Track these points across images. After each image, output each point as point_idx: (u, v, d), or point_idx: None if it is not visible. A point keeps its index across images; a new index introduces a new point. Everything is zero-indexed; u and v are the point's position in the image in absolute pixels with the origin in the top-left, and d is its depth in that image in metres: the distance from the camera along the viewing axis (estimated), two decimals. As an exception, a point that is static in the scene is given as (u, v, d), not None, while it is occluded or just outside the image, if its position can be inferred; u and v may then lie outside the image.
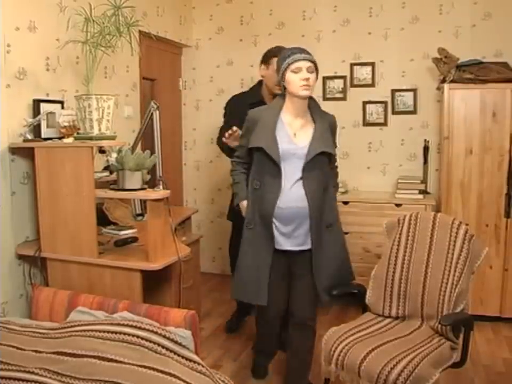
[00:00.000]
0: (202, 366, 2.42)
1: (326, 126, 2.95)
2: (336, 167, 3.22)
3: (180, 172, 5.59)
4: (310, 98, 2.95)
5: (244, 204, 3.08)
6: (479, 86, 4.22)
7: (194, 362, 2.42)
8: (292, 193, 2.86)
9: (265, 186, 2.90)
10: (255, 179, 2.96)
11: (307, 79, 2.79)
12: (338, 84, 5.06)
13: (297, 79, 2.79)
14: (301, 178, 2.85)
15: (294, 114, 2.92)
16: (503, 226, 4.27)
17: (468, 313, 2.78)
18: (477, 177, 4.28)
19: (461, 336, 2.74)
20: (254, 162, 2.98)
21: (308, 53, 2.86)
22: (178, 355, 2.42)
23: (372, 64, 4.97)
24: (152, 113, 3.48)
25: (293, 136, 2.90)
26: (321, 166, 2.91)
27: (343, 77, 5.04)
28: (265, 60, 3.69)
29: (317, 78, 2.90)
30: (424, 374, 2.48)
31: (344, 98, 5.05)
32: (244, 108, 3.30)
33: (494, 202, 4.27)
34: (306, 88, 2.80)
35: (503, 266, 4.31)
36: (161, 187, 3.03)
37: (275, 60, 3.18)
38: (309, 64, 2.81)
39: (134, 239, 3.31)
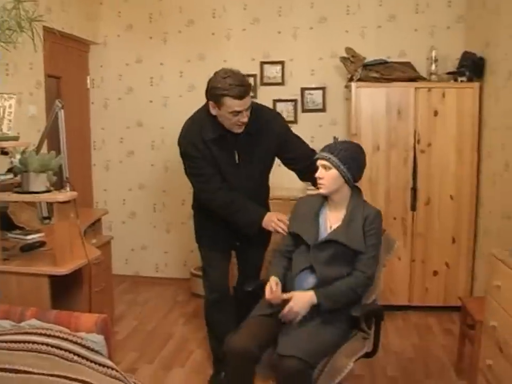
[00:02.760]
0: (116, 371, 2.35)
1: (359, 219, 2.71)
2: (363, 272, 2.69)
3: (89, 173, 5.43)
4: (354, 191, 2.80)
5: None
6: (384, 84, 4.38)
7: (108, 367, 2.36)
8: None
9: None
10: None
11: None
12: (249, 82, 5.07)
13: None
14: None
15: (332, 206, 2.81)
16: (410, 219, 4.45)
17: (378, 304, 2.86)
18: (384, 172, 4.43)
19: (373, 326, 2.82)
20: None
21: None
22: (91, 361, 2.34)
23: (282, 63, 5.03)
24: (57, 113, 3.34)
25: (329, 228, 2.76)
26: (339, 257, 2.68)
27: (253, 76, 5.05)
28: (216, 98, 2.91)
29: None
30: (338, 365, 2.53)
31: (254, 97, 5.05)
32: (205, 145, 3.01)
33: (400, 196, 4.44)
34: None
35: (410, 258, 4.49)
36: (68, 188, 2.93)
37: (228, 99, 2.85)
38: None
39: (41, 244, 3.19)
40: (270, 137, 3.11)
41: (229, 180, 3.10)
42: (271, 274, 2.79)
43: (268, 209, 3.36)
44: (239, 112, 2.88)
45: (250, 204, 3.08)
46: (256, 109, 3.06)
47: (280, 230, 2.97)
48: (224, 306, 3.33)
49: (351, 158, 2.70)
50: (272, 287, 2.67)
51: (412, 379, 3.45)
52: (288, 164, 3.31)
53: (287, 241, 2.91)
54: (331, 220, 2.78)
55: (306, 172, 3.16)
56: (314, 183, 2.91)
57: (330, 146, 2.75)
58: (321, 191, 2.75)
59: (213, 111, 2.96)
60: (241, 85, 2.85)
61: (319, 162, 2.72)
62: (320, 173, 2.72)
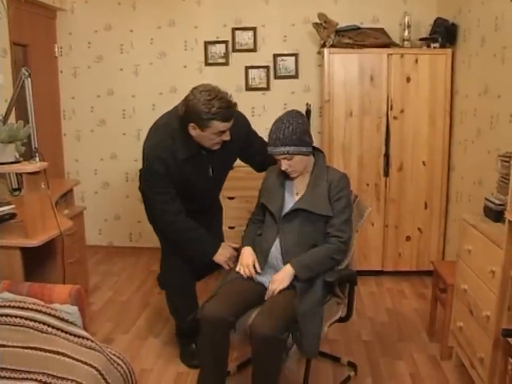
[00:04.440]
0: (92, 341, 2.35)
1: (323, 184, 2.75)
2: (338, 237, 2.72)
3: (60, 143, 5.34)
4: (318, 154, 2.86)
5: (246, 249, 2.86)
6: (357, 50, 4.35)
7: (83, 338, 2.35)
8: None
9: None
10: None
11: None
12: (220, 48, 5.01)
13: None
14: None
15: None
16: (383, 185, 4.48)
17: (351, 269, 2.89)
18: (357, 138, 4.44)
19: (347, 291, 2.86)
20: None
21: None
22: (66, 332, 2.34)
23: (254, 29, 4.96)
24: (23, 81, 3.25)
25: (295, 195, 2.82)
26: (308, 225, 2.73)
27: (225, 42, 4.99)
28: (201, 122, 2.74)
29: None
30: (313, 331, 2.56)
31: (226, 63, 5.02)
32: (177, 165, 2.88)
33: (373, 162, 4.46)
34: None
35: (383, 223, 4.54)
36: (37, 159, 2.88)
37: (215, 122, 2.72)
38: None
39: (12, 216, 3.14)
40: (237, 139, 2.99)
41: (197, 190, 3.05)
42: (245, 243, 2.91)
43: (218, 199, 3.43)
44: (223, 132, 2.81)
45: (205, 235, 3.03)
46: None
47: (226, 266, 3.01)
48: (186, 293, 3.27)
49: (301, 135, 2.68)
50: (256, 268, 2.77)
51: (386, 342, 3.51)
52: (246, 159, 3.28)
53: (257, 211, 3.02)
54: (297, 186, 2.83)
55: (263, 165, 3.14)
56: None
57: (280, 139, 2.65)
58: (294, 175, 2.79)
59: (193, 132, 2.81)
60: (228, 107, 2.74)
61: (279, 157, 2.71)
62: (285, 165, 2.71)
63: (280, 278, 2.62)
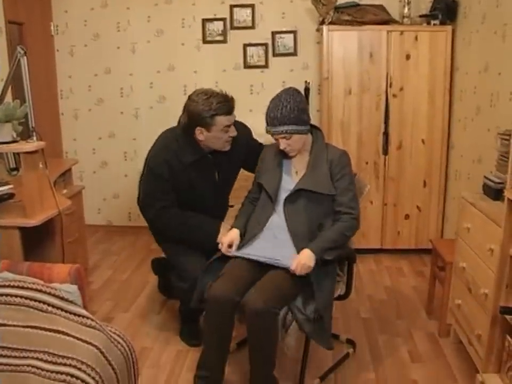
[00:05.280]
0: (92, 320, 2.35)
1: (323, 163, 2.76)
2: (349, 214, 2.73)
3: (57, 122, 5.31)
4: (316, 132, 2.87)
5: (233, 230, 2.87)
6: (356, 27, 4.31)
7: (83, 317, 2.35)
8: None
9: None
10: None
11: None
12: (218, 26, 4.95)
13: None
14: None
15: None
16: (382, 163, 4.47)
17: (350, 247, 2.90)
18: (356, 116, 4.42)
19: (346, 269, 2.87)
20: None
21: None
22: (66, 311, 2.34)
23: (252, 6, 4.91)
24: (19, 60, 3.21)
25: (295, 174, 2.82)
26: (312, 204, 2.72)
27: (223, 19, 4.94)
28: (205, 121, 2.87)
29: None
30: (312, 309, 2.58)
31: (224, 41, 4.97)
32: (182, 169, 2.96)
33: (372, 140, 4.44)
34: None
35: (382, 201, 4.54)
36: (35, 138, 2.86)
37: (218, 118, 2.85)
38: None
39: (10, 196, 3.12)
40: (240, 145, 3.08)
41: (204, 199, 3.08)
42: (234, 224, 2.93)
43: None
44: (229, 126, 2.88)
45: (206, 219, 3.04)
46: None
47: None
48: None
49: (299, 113, 2.66)
50: (232, 248, 2.80)
51: (384, 320, 3.53)
52: (251, 168, 3.21)
53: (254, 189, 3.02)
54: (296, 165, 2.83)
55: None
56: None
57: (278, 118, 2.64)
58: (293, 154, 2.79)
59: (201, 137, 2.92)
60: (226, 100, 2.87)
61: (277, 137, 2.71)
62: (283, 144, 2.71)
63: (305, 260, 2.55)
